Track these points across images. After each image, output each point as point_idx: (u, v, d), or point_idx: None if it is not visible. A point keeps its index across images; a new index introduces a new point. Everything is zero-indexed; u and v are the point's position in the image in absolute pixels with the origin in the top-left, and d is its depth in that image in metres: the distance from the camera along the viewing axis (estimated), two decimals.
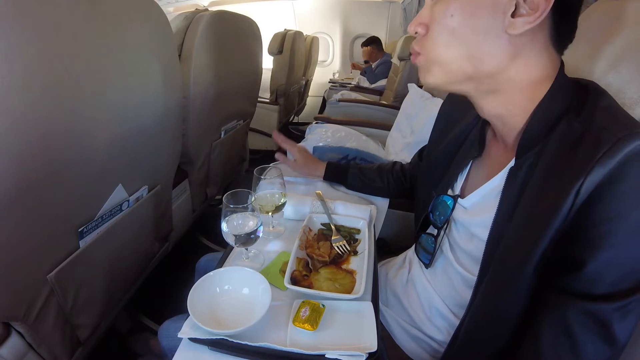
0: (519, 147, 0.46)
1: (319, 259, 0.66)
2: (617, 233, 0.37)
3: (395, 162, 0.93)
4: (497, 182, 0.51)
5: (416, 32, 0.46)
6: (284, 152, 0.98)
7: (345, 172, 0.93)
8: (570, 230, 0.39)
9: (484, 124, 0.57)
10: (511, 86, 0.45)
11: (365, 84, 3.61)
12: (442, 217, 0.59)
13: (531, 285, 0.42)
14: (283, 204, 0.74)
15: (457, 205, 0.57)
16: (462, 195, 0.57)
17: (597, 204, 0.37)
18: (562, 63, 0.45)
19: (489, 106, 0.48)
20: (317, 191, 0.85)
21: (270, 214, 0.73)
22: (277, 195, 0.74)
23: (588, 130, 0.40)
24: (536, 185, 0.43)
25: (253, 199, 0.63)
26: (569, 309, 0.39)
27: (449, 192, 0.60)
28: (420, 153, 0.85)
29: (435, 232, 0.61)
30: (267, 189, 0.74)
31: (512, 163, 0.48)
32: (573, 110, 0.43)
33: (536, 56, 0.43)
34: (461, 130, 0.62)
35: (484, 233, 0.50)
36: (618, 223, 0.37)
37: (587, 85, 0.46)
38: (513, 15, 0.40)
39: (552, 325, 0.41)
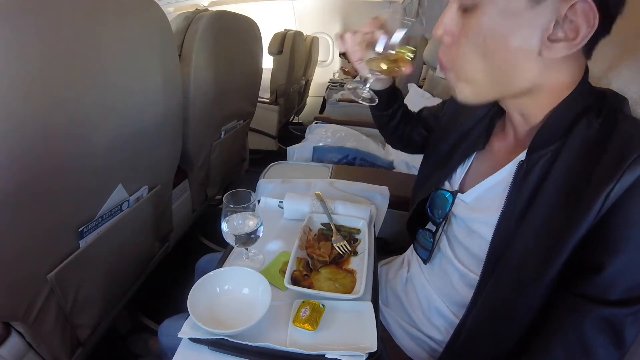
0: (534, 142, 0.45)
1: (319, 259, 0.66)
2: (637, 238, 0.37)
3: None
4: (503, 175, 0.49)
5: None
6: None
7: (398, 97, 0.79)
8: (591, 234, 0.39)
9: (494, 117, 0.57)
10: (538, 92, 0.45)
11: None
12: (439, 212, 0.58)
13: (549, 290, 0.42)
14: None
15: (457, 200, 0.56)
16: (462, 189, 0.56)
17: (620, 209, 0.37)
18: (587, 67, 0.45)
19: (513, 107, 0.49)
20: (317, 192, 0.85)
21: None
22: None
23: (613, 134, 0.40)
24: (556, 188, 0.42)
25: (253, 199, 0.63)
26: (583, 313, 0.39)
27: (447, 186, 0.59)
28: (420, 112, 0.81)
29: (433, 228, 0.60)
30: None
31: (521, 157, 0.47)
32: (592, 110, 0.43)
33: (567, 68, 0.43)
34: (468, 123, 0.62)
35: (486, 230, 0.49)
36: (639, 229, 0.37)
37: (604, 90, 0.46)
38: (550, 37, 0.39)
39: (564, 328, 0.41)
